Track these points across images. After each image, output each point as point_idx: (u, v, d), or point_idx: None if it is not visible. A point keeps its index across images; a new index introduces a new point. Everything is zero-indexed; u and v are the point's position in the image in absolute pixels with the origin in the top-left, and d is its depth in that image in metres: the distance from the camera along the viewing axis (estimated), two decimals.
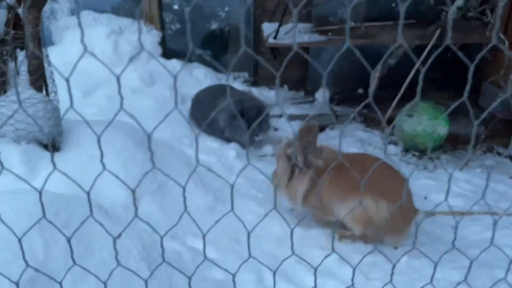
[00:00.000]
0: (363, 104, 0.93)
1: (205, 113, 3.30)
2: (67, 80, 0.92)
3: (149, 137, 0.87)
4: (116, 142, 2.35)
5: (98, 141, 0.93)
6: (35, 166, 2.08)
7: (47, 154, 2.15)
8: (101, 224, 1.00)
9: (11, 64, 2.13)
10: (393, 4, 4.02)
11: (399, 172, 2.33)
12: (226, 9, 4.15)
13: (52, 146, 2.21)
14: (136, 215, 0.98)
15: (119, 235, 0.99)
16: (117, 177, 0.96)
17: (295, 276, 2.05)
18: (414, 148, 3.29)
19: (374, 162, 2.17)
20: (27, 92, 2.04)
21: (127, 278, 1.55)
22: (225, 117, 3.15)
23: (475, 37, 3.46)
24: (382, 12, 3.94)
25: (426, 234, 2.48)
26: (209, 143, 3.27)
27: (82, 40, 0.78)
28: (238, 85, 4.06)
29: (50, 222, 1.03)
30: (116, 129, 2.47)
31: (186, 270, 1.92)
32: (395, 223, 2.19)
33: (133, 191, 0.97)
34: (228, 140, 3.28)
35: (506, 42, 2.85)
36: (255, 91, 4.09)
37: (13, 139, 2.07)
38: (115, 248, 1.09)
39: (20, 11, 2.03)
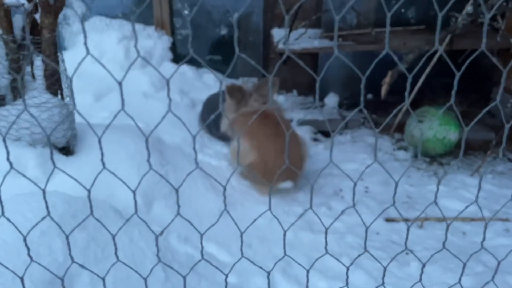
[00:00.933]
0: (353, 112, 0.94)
1: (216, 118, 3.32)
2: (71, 80, 0.93)
3: (146, 140, 0.88)
4: (129, 146, 2.37)
5: (99, 142, 0.94)
6: (50, 169, 2.10)
7: (62, 158, 2.18)
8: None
9: (27, 69, 2.17)
10: (403, 10, 4.03)
11: (297, 137, 2.73)
12: (236, 14, 4.18)
13: (67, 149, 2.24)
14: (135, 213, 0.99)
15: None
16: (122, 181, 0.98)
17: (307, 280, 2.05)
18: (425, 154, 3.28)
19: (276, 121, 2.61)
20: (44, 97, 2.07)
21: (142, 279, 1.56)
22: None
23: (486, 43, 3.45)
24: (392, 18, 3.96)
25: (437, 239, 2.48)
26: (220, 148, 3.29)
27: (85, 43, 0.80)
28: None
29: (54, 221, 1.05)
30: (128, 133, 2.50)
31: (199, 273, 1.94)
32: (268, 172, 2.58)
33: (134, 192, 0.99)
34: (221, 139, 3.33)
35: None
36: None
37: (29, 143, 2.10)
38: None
39: (37, 16, 2.07)
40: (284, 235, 1.11)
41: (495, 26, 3.31)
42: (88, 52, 0.80)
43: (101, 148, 0.89)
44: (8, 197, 1.60)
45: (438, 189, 1.09)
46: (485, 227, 1.18)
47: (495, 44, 3.23)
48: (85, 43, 0.81)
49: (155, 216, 2.19)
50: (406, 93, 0.87)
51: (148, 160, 0.86)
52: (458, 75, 0.81)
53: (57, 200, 1.60)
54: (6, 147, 0.80)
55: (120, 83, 0.86)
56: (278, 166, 2.57)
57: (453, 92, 0.83)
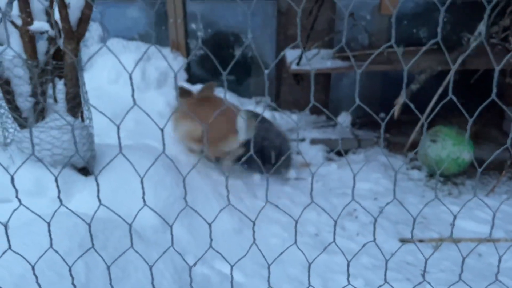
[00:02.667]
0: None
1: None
2: (89, 104, 0.99)
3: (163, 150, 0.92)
4: (146, 166, 2.41)
5: (122, 154, 0.99)
6: (70, 190, 2.16)
7: (81, 178, 2.23)
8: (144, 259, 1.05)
9: (50, 92, 2.24)
10: (415, 30, 4.07)
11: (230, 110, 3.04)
12: (251, 35, 4.26)
13: (86, 169, 2.30)
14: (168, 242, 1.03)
15: (194, 264, 1.04)
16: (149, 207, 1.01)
17: None
18: (439, 174, 3.28)
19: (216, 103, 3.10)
20: (65, 119, 2.13)
21: None
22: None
23: (498, 63, 3.47)
24: (404, 38, 4.00)
25: (452, 261, 2.47)
26: (235, 166, 3.32)
27: (130, 73, 0.85)
28: (261, 110, 4.14)
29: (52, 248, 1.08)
30: (146, 153, 2.55)
31: None
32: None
33: (146, 202, 1.02)
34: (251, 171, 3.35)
35: None
36: (277, 115, 4.16)
37: (50, 164, 2.16)
38: (151, 272, 1.13)
39: (60, 42, 2.15)
40: (309, 268, 1.13)
41: (507, 47, 3.33)
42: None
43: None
44: (31, 217, 1.65)
45: (456, 211, 1.10)
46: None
47: (508, 64, 3.24)
48: (130, 74, 0.86)
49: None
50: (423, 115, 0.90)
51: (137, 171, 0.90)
52: (447, 95, 0.84)
53: (78, 221, 1.64)
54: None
55: (161, 130, 0.92)
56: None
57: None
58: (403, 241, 2.62)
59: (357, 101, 0.86)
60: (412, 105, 0.93)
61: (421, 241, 2.63)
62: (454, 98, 0.92)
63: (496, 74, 0.88)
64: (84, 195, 2.15)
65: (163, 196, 2.30)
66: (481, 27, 3.42)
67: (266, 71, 0.85)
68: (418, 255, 2.51)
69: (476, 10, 3.85)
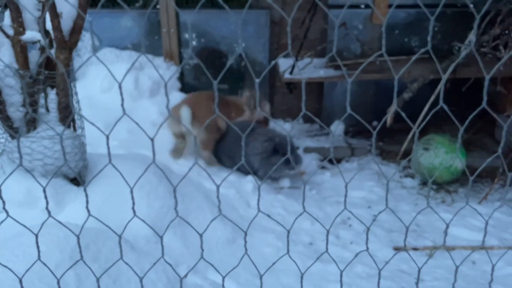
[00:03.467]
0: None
1: (230, 152, 3.35)
2: (80, 114, 0.98)
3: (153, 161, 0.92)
4: (138, 176, 2.40)
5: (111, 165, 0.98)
6: (62, 200, 2.14)
7: (73, 188, 2.22)
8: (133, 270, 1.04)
9: (42, 102, 2.23)
10: (406, 39, 4.11)
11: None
12: (243, 45, 4.28)
13: (78, 180, 2.28)
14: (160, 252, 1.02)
15: (186, 276, 1.03)
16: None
17: None
18: (432, 182, 3.29)
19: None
20: (57, 129, 2.12)
21: None
22: (259, 159, 3.26)
23: (489, 72, 3.50)
24: (396, 47, 4.03)
25: (446, 268, 2.47)
26: (226, 175, 3.32)
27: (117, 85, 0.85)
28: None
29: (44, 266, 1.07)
30: (138, 163, 2.54)
31: None
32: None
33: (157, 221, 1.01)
34: (260, 178, 3.36)
35: None
36: (270, 123, 4.16)
37: (42, 174, 2.14)
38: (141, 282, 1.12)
39: (52, 51, 2.14)
40: (302, 278, 1.13)
41: (497, 55, 3.37)
42: (72, 77, 0.85)
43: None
44: (22, 229, 1.63)
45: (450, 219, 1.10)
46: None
47: (498, 73, 3.27)
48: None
49: (165, 246, 2.20)
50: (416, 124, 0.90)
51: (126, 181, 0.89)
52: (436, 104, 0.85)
53: (70, 232, 1.62)
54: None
55: (152, 139, 0.91)
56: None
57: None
58: (397, 249, 2.62)
59: (348, 110, 0.87)
60: (403, 114, 0.93)
61: (415, 249, 2.63)
62: (445, 107, 0.92)
63: (486, 83, 0.89)
64: (76, 205, 2.13)
65: (156, 206, 2.28)
66: (472, 36, 3.46)
67: (257, 80, 0.85)
68: (412, 263, 2.50)
69: (467, 19, 3.90)
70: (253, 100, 3.57)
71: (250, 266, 2.35)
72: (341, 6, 3.87)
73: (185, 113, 3.26)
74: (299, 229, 2.80)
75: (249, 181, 3.24)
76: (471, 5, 0.93)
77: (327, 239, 1.12)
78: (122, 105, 0.85)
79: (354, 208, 3.05)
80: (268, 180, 3.35)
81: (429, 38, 0.88)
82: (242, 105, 3.63)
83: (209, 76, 0.93)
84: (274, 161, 3.20)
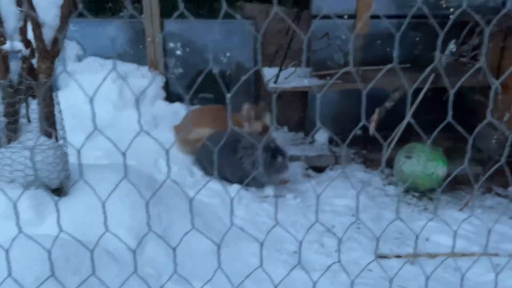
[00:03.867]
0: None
1: (219, 161, 3.28)
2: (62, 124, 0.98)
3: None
4: (122, 186, 2.38)
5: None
6: (43, 211, 2.11)
7: (55, 199, 2.19)
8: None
9: (23, 112, 2.21)
10: (388, 49, 4.18)
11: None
12: (228, 54, 4.30)
13: (60, 190, 2.25)
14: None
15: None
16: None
17: None
18: (414, 189, 3.34)
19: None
20: (38, 139, 2.10)
21: None
22: (264, 170, 3.24)
23: (468, 81, 3.56)
24: (378, 56, 4.09)
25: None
26: (211, 184, 3.31)
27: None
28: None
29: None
30: (122, 172, 2.52)
31: None
32: None
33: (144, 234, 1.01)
34: (262, 186, 3.38)
35: (499, 86, 2.96)
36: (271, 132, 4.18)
37: (23, 185, 2.11)
38: None
39: (34, 61, 2.13)
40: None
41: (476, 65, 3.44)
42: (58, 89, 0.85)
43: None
44: (2, 241, 1.61)
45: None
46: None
47: (477, 82, 3.35)
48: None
49: (148, 257, 2.19)
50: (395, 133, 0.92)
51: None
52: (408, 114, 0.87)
53: (49, 245, 1.60)
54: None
55: (123, 154, 0.91)
56: None
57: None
58: (381, 257, 2.64)
59: (318, 124, 0.88)
60: (378, 135, 0.95)
61: (398, 256, 2.66)
62: (413, 121, 0.94)
63: (450, 98, 0.92)
64: (57, 216, 2.10)
65: (140, 216, 2.27)
66: (451, 46, 3.54)
67: (228, 95, 0.86)
68: (395, 271, 2.52)
69: (447, 30, 3.98)
70: (253, 111, 3.62)
71: (235, 276, 2.35)
72: (323, 16, 3.92)
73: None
74: (284, 238, 2.80)
75: (233, 190, 3.24)
76: (433, 20, 0.95)
77: (298, 248, 1.13)
78: (93, 121, 0.85)
79: (338, 216, 3.07)
80: (253, 188, 3.35)
81: (396, 46, 0.91)
82: (241, 119, 3.67)
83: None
84: (275, 164, 3.27)
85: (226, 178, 3.37)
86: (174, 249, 0.90)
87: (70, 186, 2.32)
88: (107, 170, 2.54)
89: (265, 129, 3.71)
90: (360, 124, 0.96)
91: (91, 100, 0.88)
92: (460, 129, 0.94)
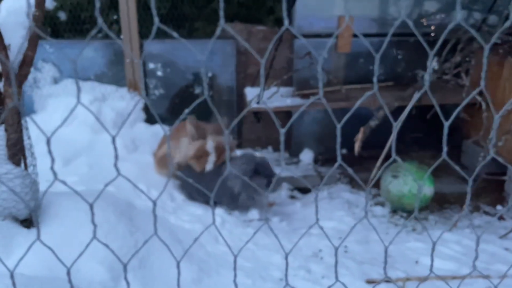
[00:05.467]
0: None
1: (204, 184, 3.12)
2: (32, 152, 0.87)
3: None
4: (96, 214, 2.25)
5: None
6: (10, 244, 1.97)
7: (23, 231, 2.05)
8: None
9: None
10: (371, 67, 4.16)
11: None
12: (210, 74, 4.23)
13: (29, 221, 2.11)
14: None
15: None
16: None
17: None
18: (402, 209, 3.26)
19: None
20: (5, 167, 1.97)
21: None
22: (240, 182, 3.12)
23: (452, 98, 3.57)
24: (361, 75, 4.07)
25: None
26: (194, 209, 3.19)
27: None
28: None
29: None
30: (98, 200, 2.39)
31: None
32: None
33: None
34: (245, 208, 3.23)
35: (483, 103, 2.94)
36: (239, 153, 4.09)
37: None
38: None
39: (0, 85, 2.01)
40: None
41: (459, 82, 3.43)
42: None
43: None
44: None
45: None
46: None
47: (461, 99, 3.33)
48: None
49: None
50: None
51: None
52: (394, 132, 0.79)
53: (10, 283, 1.46)
54: None
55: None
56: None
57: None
58: (370, 282, 2.54)
59: (282, 150, 0.79)
60: (358, 152, 0.87)
61: (387, 281, 2.56)
62: (397, 157, 0.86)
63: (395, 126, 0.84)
64: (25, 249, 1.96)
65: (115, 246, 2.13)
66: (434, 64, 3.52)
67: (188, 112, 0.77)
68: None
69: (429, 47, 3.99)
70: (193, 130, 3.32)
71: None
72: (305, 36, 3.89)
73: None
74: (269, 263, 2.68)
75: (216, 215, 3.12)
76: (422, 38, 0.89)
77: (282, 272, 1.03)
78: (49, 152, 0.75)
79: (325, 239, 2.97)
80: (237, 212, 3.25)
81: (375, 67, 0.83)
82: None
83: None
84: (256, 182, 3.07)
85: (209, 201, 3.24)
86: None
87: (41, 216, 2.18)
88: (81, 197, 2.41)
89: (219, 151, 3.29)
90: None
91: (47, 141, 0.77)
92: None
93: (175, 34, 0.68)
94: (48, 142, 0.69)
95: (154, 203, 0.73)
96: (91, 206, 0.68)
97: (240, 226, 3.07)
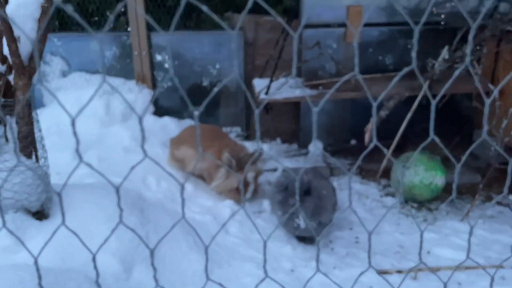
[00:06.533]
0: None
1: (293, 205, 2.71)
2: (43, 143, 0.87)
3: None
4: (107, 207, 2.27)
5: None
6: (22, 237, 1.98)
7: (35, 223, 2.06)
8: None
9: (1, 131, 2.09)
10: (380, 57, 4.11)
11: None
12: (217, 66, 4.21)
13: (41, 213, 2.12)
14: None
15: None
16: None
17: None
18: (413, 200, 3.24)
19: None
20: (16, 159, 1.98)
21: None
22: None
23: (463, 87, 3.52)
24: (370, 65, 4.02)
25: None
26: (204, 201, 3.19)
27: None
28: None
29: None
30: (107, 192, 2.40)
31: None
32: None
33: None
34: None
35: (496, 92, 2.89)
36: (248, 145, 4.07)
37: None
38: None
39: (10, 78, 2.01)
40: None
41: (470, 71, 3.37)
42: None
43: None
44: None
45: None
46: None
47: (473, 88, 3.28)
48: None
49: (136, 282, 2.06)
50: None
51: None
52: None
53: (25, 275, 1.47)
54: None
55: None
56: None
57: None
58: (382, 272, 2.53)
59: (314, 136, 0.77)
60: (376, 140, 0.85)
61: (399, 271, 2.55)
62: (435, 137, 0.84)
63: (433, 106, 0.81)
64: (38, 241, 1.97)
65: (126, 239, 2.14)
66: (445, 53, 3.47)
67: (196, 113, 0.75)
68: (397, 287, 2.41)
69: (440, 36, 3.93)
70: (234, 162, 3.07)
71: None
72: (314, 26, 3.85)
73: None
74: (280, 255, 2.68)
75: (226, 206, 3.12)
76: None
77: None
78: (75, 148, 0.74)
79: (336, 231, 2.96)
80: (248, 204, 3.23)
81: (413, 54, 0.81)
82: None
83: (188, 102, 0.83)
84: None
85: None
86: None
87: (52, 209, 2.19)
88: (92, 190, 2.42)
89: (244, 185, 3.12)
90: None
91: (72, 123, 0.76)
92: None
93: None
94: (73, 123, 0.68)
95: (183, 186, 0.72)
96: (117, 190, 0.67)
97: (251, 217, 3.06)
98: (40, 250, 0.83)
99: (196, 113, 0.64)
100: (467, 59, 0.85)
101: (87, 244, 2.02)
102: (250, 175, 3.13)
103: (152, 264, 0.68)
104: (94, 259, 0.65)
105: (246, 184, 3.14)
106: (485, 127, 0.74)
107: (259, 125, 0.76)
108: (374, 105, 0.76)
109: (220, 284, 0.73)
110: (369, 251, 0.87)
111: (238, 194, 3.16)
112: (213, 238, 0.88)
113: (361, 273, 1.06)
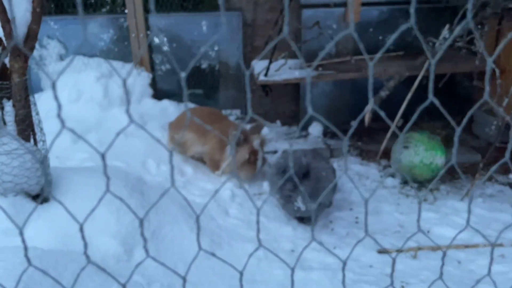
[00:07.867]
0: None
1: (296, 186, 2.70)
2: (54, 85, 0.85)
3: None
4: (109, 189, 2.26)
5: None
6: (23, 220, 1.98)
7: (35, 206, 2.06)
8: None
9: None
10: (380, 37, 4.07)
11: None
12: (216, 48, 4.17)
13: (41, 196, 2.13)
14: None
15: None
16: None
17: None
18: (413, 180, 3.24)
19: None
20: (14, 143, 1.97)
21: None
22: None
23: (464, 66, 3.49)
24: (370, 45, 3.98)
25: (432, 270, 2.40)
26: (204, 184, 3.19)
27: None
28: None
29: None
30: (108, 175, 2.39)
31: None
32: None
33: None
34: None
35: (497, 70, 2.87)
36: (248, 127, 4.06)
37: (0, 192, 1.98)
38: None
39: (6, 60, 1.99)
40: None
41: (472, 49, 3.34)
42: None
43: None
44: None
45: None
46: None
47: (475, 67, 3.25)
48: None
49: (136, 264, 2.07)
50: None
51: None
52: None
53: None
54: None
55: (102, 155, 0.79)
56: None
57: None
58: (381, 252, 2.54)
59: (310, 111, 0.77)
60: (382, 113, 0.83)
61: (399, 251, 2.56)
62: (436, 101, 0.83)
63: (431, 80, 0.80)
64: (38, 224, 1.98)
65: (126, 221, 2.15)
66: (445, 32, 3.43)
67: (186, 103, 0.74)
68: (397, 266, 2.43)
69: (440, 15, 3.88)
70: (241, 136, 3.11)
71: (229, 279, 2.24)
72: (313, 6, 3.80)
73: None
74: (280, 235, 2.69)
75: (227, 189, 3.12)
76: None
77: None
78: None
79: (335, 211, 2.97)
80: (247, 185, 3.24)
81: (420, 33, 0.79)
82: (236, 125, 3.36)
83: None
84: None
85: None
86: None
87: (52, 192, 2.19)
88: (92, 173, 2.42)
89: (254, 154, 3.12)
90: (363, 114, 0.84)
91: (53, 85, 0.75)
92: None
93: None
94: (54, 86, 0.67)
95: (171, 153, 0.71)
96: (103, 156, 0.66)
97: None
98: (25, 223, 0.83)
99: (183, 74, 0.62)
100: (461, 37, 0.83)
101: (87, 227, 2.02)
102: (257, 143, 3.16)
103: (142, 234, 0.67)
104: (81, 229, 0.64)
105: (254, 152, 3.15)
106: (487, 88, 0.72)
107: (250, 103, 0.74)
108: (370, 81, 0.74)
109: (213, 254, 0.73)
110: (366, 219, 0.86)
111: (250, 166, 3.17)
112: (203, 210, 0.87)
113: (359, 241, 1.06)
